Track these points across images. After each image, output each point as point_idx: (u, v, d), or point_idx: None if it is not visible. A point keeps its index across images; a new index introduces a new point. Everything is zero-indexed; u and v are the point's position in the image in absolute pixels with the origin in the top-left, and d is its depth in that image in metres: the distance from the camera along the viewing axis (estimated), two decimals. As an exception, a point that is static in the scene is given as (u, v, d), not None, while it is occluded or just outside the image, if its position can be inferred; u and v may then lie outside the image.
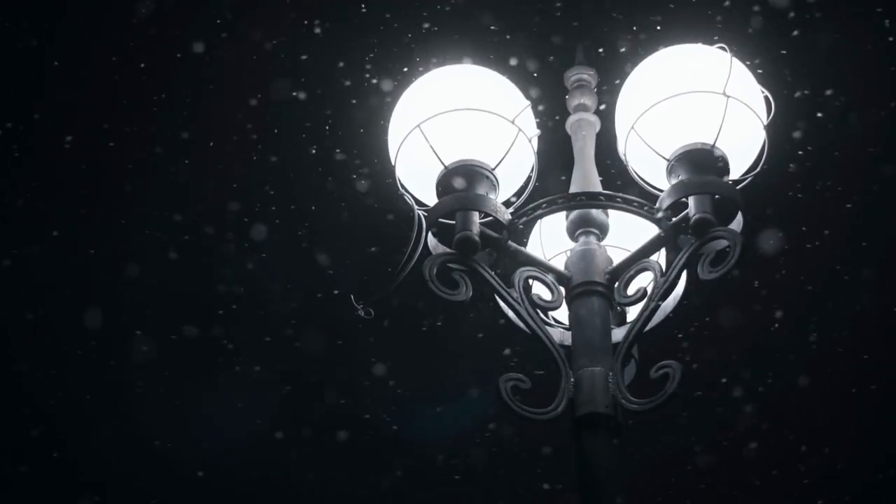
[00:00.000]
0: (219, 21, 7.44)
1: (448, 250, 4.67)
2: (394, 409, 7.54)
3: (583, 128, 5.03)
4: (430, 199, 4.77)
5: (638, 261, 4.71)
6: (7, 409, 7.92)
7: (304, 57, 7.30)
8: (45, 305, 7.83)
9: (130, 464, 8.00)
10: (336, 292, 7.08)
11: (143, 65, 7.56)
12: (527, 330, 4.65)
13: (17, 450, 7.97)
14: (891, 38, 7.08)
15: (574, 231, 4.82)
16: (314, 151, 7.39)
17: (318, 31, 7.31)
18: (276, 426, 7.84)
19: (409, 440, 7.72)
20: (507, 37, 6.84)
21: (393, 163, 4.83)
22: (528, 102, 4.82)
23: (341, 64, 7.18)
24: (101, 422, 7.92)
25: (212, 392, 7.78)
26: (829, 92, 6.99)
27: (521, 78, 4.91)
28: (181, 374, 7.81)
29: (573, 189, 4.90)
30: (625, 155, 4.82)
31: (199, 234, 7.69)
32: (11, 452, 7.97)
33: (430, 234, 4.71)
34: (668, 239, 4.70)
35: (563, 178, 4.97)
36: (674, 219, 4.67)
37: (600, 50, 5.45)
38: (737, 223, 4.64)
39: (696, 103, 4.69)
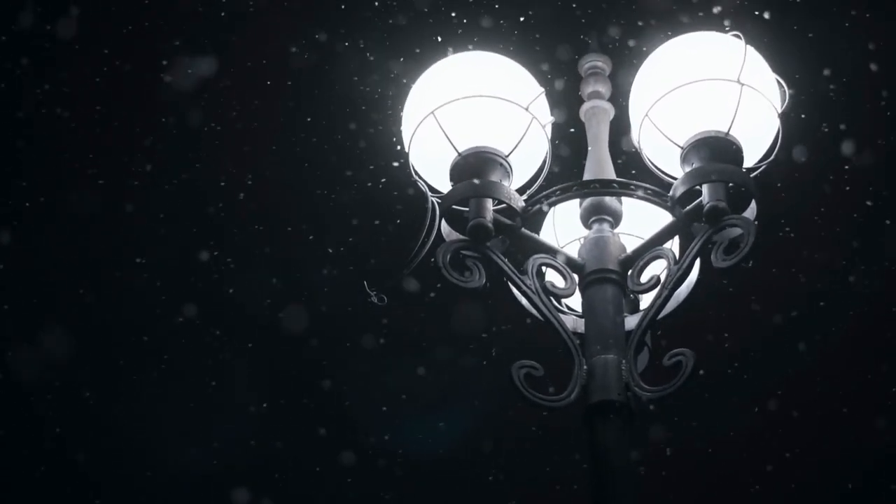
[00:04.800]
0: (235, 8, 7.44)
1: (461, 237, 4.67)
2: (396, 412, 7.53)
3: (597, 115, 5.03)
4: (444, 186, 4.77)
5: (651, 248, 4.71)
6: (8, 412, 7.92)
7: (323, 38, 7.30)
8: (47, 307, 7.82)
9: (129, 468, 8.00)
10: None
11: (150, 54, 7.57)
12: (540, 317, 4.65)
13: (18, 452, 7.97)
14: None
15: (587, 218, 4.82)
16: (318, 139, 7.39)
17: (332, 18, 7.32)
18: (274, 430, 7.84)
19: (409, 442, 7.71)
20: (522, 22, 6.84)
21: (406, 149, 4.82)
22: (543, 89, 4.81)
23: (355, 49, 7.19)
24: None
25: (205, 398, 7.76)
26: (843, 80, 6.99)
27: (534, 65, 4.91)
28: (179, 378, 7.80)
29: (587, 176, 4.90)
30: (639, 142, 4.82)
31: (203, 231, 7.69)
32: (12, 455, 7.97)
33: (443, 220, 4.72)
34: (682, 227, 4.71)
35: (576, 165, 4.97)
36: (687, 207, 4.66)
37: (614, 37, 5.44)
38: (750, 211, 4.64)
39: (711, 91, 4.68)
